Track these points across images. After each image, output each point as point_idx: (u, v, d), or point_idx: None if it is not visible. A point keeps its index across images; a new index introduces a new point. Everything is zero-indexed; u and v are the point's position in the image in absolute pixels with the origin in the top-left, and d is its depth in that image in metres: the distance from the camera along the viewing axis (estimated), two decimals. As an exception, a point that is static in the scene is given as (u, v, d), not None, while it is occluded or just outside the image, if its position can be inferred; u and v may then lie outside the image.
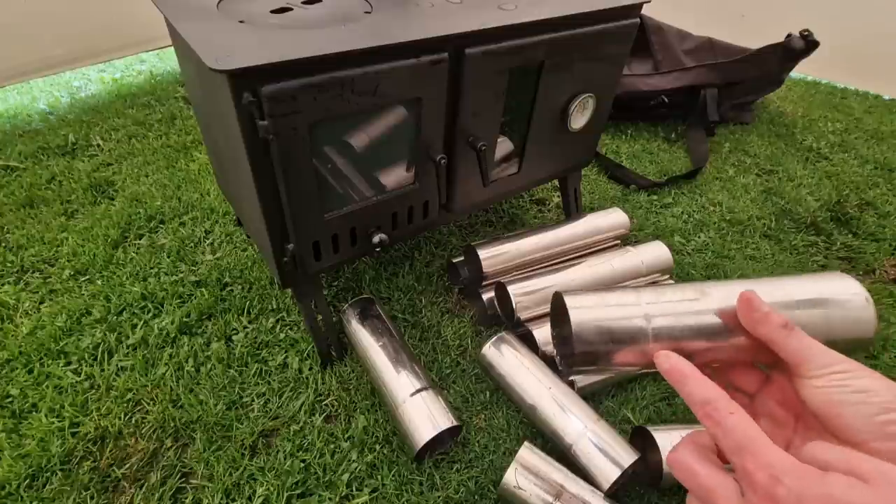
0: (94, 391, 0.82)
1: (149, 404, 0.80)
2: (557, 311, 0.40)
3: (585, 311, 0.37)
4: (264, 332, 0.92)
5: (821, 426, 0.32)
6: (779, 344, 0.33)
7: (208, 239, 1.12)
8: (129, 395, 0.81)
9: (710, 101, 1.56)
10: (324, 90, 0.57)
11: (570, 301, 0.37)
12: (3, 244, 1.08)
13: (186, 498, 0.70)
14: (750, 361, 0.38)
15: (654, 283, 0.98)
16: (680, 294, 0.38)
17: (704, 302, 0.37)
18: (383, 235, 0.77)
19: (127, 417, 0.78)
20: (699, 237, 1.20)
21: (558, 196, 1.29)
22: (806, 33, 1.45)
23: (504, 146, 0.89)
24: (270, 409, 0.80)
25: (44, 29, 1.52)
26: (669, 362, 0.34)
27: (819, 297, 0.37)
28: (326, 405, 0.82)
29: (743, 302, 0.34)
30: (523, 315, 0.89)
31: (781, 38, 1.49)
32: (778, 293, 0.37)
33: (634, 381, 0.87)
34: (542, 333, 0.86)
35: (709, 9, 2.23)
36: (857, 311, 0.37)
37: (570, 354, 0.37)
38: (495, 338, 0.85)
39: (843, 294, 0.37)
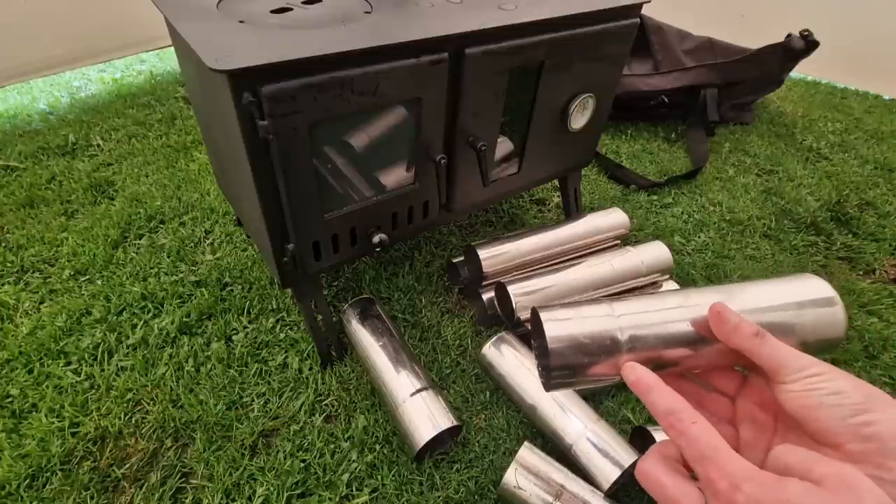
0: (94, 391, 0.82)
1: (149, 404, 0.80)
2: (536, 326, 0.40)
3: (560, 325, 0.37)
4: (264, 332, 0.92)
5: (799, 428, 0.32)
6: (752, 353, 0.33)
7: (208, 239, 1.12)
8: (129, 395, 0.81)
9: (710, 101, 1.56)
10: (324, 90, 0.57)
11: (545, 315, 0.38)
12: (3, 244, 1.08)
13: (186, 498, 0.70)
14: (730, 365, 0.39)
15: (640, 291, 0.98)
16: (657, 304, 0.38)
17: (679, 312, 0.37)
18: (383, 235, 0.77)
19: (127, 417, 0.78)
20: (699, 237, 1.20)
21: (558, 196, 1.29)
22: (806, 33, 1.45)
23: (504, 146, 0.89)
24: (270, 409, 0.80)
25: (44, 29, 1.52)
26: (635, 374, 0.35)
27: (791, 300, 0.37)
28: (326, 405, 0.82)
29: (713, 315, 0.35)
30: (523, 315, 0.89)
31: (781, 38, 1.49)
32: (749, 299, 0.37)
33: (634, 381, 0.87)
34: (542, 333, 0.86)
35: (709, 9, 2.23)
36: (827, 312, 0.37)
37: (548, 367, 0.37)
38: (495, 338, 0.85)
39: (814, 296, 0.38)
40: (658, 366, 0.36)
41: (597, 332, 0.37)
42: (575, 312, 0.38)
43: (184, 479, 0.72)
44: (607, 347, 0.36)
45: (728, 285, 0.39)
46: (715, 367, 0.38)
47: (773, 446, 0.33)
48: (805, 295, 0.38)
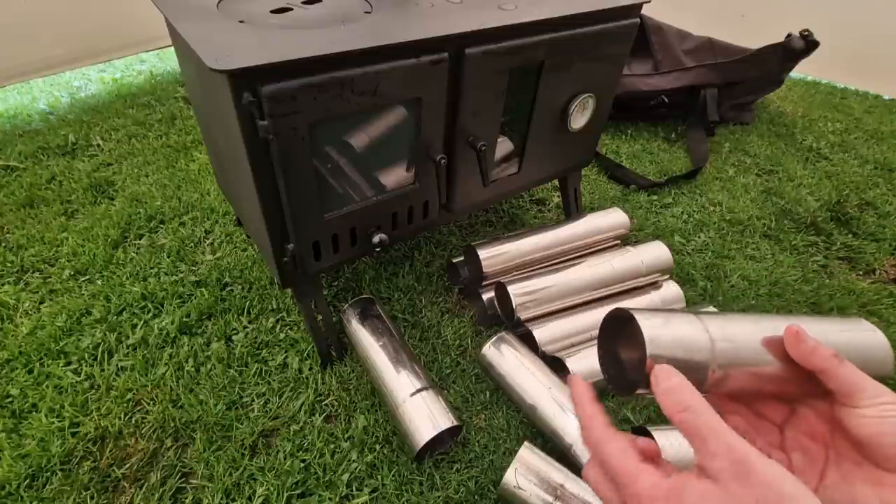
0: (94, 391, 0.82)
1: (149, 404, 0.80)
2: (619, 330, 0.38)
3: (658, 330, 0.35)
4: (264, 332, 0.92)
5: (856, 455, 0.33)
6: (830, 373, 0.33)
7: (208, 239, 1.12)
8: (129, 395, 0.81)
9: (710, 101, 1.56)
10: (324, 90, 0.57)
11: (643, 321, 0.35)
12: (3, 244, 1.08)
13: (186, 498, 0.70)
14: (774, 394, 0.39)
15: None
16: (737, 324, 0.37)
17: (755, 333, 0.36)
18: (383, 235, 0.77)
19: (127, 417, 0.78)
20: (699, 237, 1.20)
21: (558, 196, 1.29)
22: (806, 33, 1.45)
23: (504, 146, 0.89)
24: (270, 409, 0.80)
25: (44, 29, 1.52)
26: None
27: (849, 338, 0.38)
28: (326, 405, 0.82)
29: (791, 335, 0.35)
30: (523, 315, 0.89)
31: (781, 38, 1.49)
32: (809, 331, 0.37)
33: (634, 381, 0.87)
34: (542, 333, 0.86)
35: (709, 9, 2.23)
36: (881, 353, 0.38)
37: (631, 379, 0.35)
38: (495, 338, 0.85)
39: (868, 337, 0.39)
40: (728, 384, 0.35)
41: (693, 344, 0.35)
42: (668, 321, 0.36)
43: (184, 479, 0.72)
44: (700, 364, 0.34)
45: (783, 316, 0.38)
46: (765, 392, 0.38)
47: (826, 474, 0.34)
48: (861, 335, 0.38)
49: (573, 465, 0.71)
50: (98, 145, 1.43)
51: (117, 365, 0.85)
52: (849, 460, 0.33)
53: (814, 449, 0.36)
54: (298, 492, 0.71)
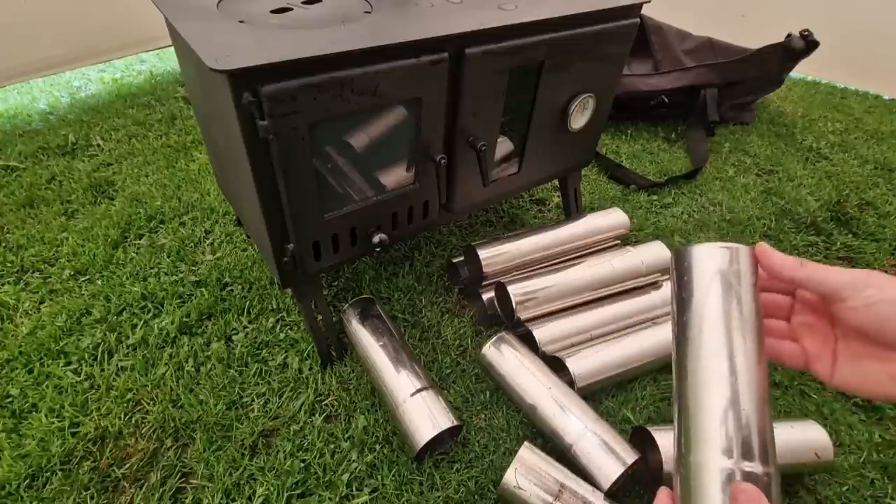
0: (94, 391, 0.82)
1: (149, 404, 0.80)
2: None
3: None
4: (264, 332, 0.92)
5: (859, 336, 0.34)
6: (804, 281, 0.35)
7: (208, 239, 1.12)
8: (129, 395, 0.81)
9: (710, 101, 1.56)
10: (324, 90, 0.57)
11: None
12: (3, 244, 1.08)
13: (186, 498, 0.70)
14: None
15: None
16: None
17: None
18: (383, 235, 0.77)
19: (127, 417, 0.78)
20: (699, 237, 1.20)
21: (558, 196, 1.29)
22: (806, 33, 1.45)
23: (504, 146, 0.89)
24: (270, 409, 0.80)
25: (44, 29, 1.52)
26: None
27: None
28: (326, 405, 0.82)
29: (761, 254, 0.38)
30: (523, 315, 0.89)
31: (781, 38, 1.49)
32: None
33: (634, 381, 0.87)
34: (542, 333, 0.86)
35: (709, 9, 2.23)
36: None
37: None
38: (495, 338, 0.85)
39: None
40: None
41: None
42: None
43: (184, 479, 0.72)
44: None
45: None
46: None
47: (838, 353, 0.36)
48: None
49: (573, 465, 0.71)
50: (98, 145, 1.43)
51: (117, 365, 0.85)
52: (854, 339, 0.34)
53: (821, 327, 0.37)
54: (298, 492, 0.71)
